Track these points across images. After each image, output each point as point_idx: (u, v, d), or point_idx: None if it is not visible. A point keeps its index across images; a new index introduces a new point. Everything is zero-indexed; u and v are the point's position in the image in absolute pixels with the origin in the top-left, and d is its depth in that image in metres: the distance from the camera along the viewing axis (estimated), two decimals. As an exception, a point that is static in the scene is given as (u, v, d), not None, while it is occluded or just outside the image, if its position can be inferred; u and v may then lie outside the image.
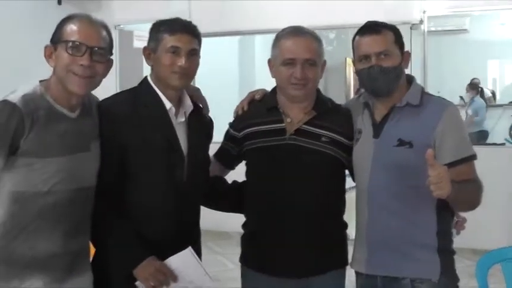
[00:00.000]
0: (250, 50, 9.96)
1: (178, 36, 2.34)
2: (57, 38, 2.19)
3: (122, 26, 7.64)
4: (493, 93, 10.68)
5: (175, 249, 2.28)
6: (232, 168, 2.79)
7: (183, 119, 2.43)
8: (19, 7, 6.82)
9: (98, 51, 2.18)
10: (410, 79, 2.50)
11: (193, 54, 2.39)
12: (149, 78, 2.44)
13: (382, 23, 2.44)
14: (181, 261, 2.28)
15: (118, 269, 2.28)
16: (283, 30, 2.56)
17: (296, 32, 2.51)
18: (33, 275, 2.11)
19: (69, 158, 2.14)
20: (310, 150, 2.46)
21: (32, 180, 2.08)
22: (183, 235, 2.36)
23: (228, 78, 9.52)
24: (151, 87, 2.41)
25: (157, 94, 2.39)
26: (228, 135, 2.71)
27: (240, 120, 2.65)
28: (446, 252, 2.40)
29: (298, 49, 2.46)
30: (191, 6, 7.13)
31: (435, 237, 2.36)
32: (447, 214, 2.41)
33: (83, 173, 2.20)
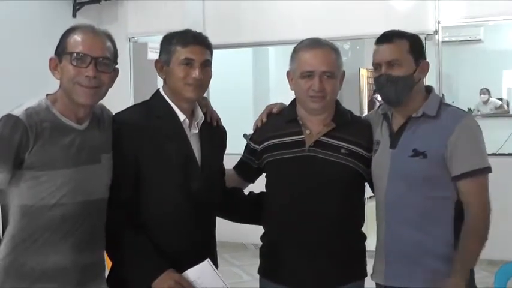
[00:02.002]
0: (264, 61, 9.96)
1: (191, 48, 2.35)
2: (61, 50, 2.19)
3: (136, 38, 7.66)
4: (507, 103, 10.61)
5: (191, 261, 2.26)
6: (253, 181, 2.80)
7: (196, 131, 2.42)
8: (34, 20, 6.87)
9: (102, 61, 2.18)
10: (429, 89, 2.51)
11: (206, 66, 2.39)
12: (162, 91, 2.44)
13: (399, 31, 2.45)
14: (200, 272, 2.26)
15: (137, 282, 2.26)
16: (302, 42, 2.56)
17: (314, 44, 2.51)
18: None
19: (76, 170, 2.12)
20: (330, 162, 2.46)
21: (39, 193, 2.07)
22: (199, 247, 2.36)
23: (242, 89, 9.51)
24: (165, 99, 2.40)
25: (170, 106, 2.39)
26: (248, 149, 2.72)
27: (260, 133, 2.65)
28: None
29: (315, 61, 2.46)
30: (205, 18, 7.15)
31: (452, 249, 2.34)
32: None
33: (92, 185, 2.18)
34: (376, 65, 2.45)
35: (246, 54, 9.64)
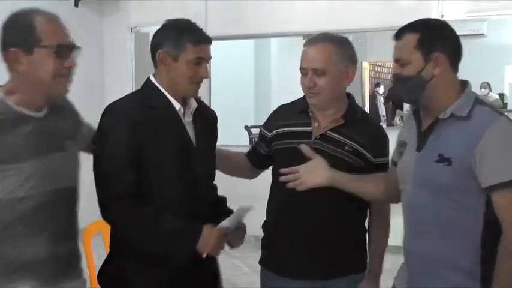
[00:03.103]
0: (266, 53, 9.94)
1: (202, 47, 2.35)
2: (30, 41, 2.06)
3: (138, 28, 7.65)
4: (505, 98, 10.61)
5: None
6: (260, 167, 2.82)
7: (190, 119, 2.44)
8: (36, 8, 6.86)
9: (75, 47, 2.16)
10: (464, 85, 2.27)
11: (208, 62, 2.40)
12: (154, 80, 2.41)
13: (412, 24, 2.26)
14: (230, 219, 2.37)
15: (180, 253, 2.27)
16: (312, 36, 2.58)
17: (311, 40, 2.52)
18: (22, 280, 2.08)
19: (41, 159, 2.08)
20: (332, 156, 2.46)
21: (7, 187, 2.03)
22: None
23: (244, 81, 9.50)
24: (159, 89, 2.38)
25: (165, 96, 2.37)
26: (260, 135, 2.76)
27: (272, 121, 2.69)
28: (491, 282, 2.14)
29: (307, 59, 2.48)
30: (208, 8, 7.13)
31: (479, 264, 2.15)
32: (495, 241, 2.13)
33: (60, 173, 2.15)
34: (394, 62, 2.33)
35: (248, 46, 9.63)
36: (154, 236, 2.27)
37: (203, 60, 2.35)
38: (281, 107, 2.76)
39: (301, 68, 2.51)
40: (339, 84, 2.53)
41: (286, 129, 2.60)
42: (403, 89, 2.24)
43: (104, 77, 7.97)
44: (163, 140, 2.31)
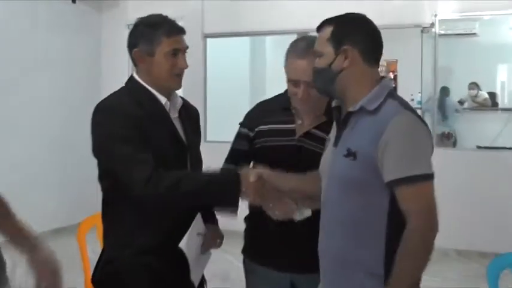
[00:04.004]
0: (262, 51, 9.92)
1: (176, 38, 2.36)
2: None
3: (134, 25, 7.62)
4: (495, 97, 10.62)
5: (184, 232, 2.34)
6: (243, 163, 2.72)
7: (176, 115, 2.44)
8: (34, 5, 6.83)
9: None
10: (381, 80, 2.20)
11: (186, 52, 2.40)
12: (137, 77, 2.40)
13: (332, 17, 2.21)
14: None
15: (228, 201, 2.26)
16: (295, 43, 2.52)
17: (302, 53, 2.46)
18: None
19: None
20: (316, 153, 2.41)
21: None
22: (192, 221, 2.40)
23: (239, 79, 9.48)
24: (144, 86, 2.38)
25: (151, 92, 2.37)
26: (239, 135, 2.70)
27: (253, 118, 2.67)
28: None
29: (300, 72, 2.43)
30: (204, 6, 7.09)
31: (382, 265, 2.06)
32: (399, 241, 2.02)
33: None
34: None
35: (244, 44, 9.60)
36: (198, 195, 2.23)
37: (179, 51, 2.35)
38: (260, 104, 2.74)
39: (291, 80, 2.48)
40: None
41: (269, 126, 2.59)
42: (317, 80, 2.23)
43: (101, 74, 7.96)
44: (155, 134, 2.30)
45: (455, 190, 6.36)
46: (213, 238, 2.57)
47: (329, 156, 2.23)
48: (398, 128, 2.03)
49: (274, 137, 2.56)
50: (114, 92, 2.42)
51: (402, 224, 1.99)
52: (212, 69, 7.64)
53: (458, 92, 9.83)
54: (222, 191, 2.26)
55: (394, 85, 2.12)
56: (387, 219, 2.07)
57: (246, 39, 9.47)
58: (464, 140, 9.34)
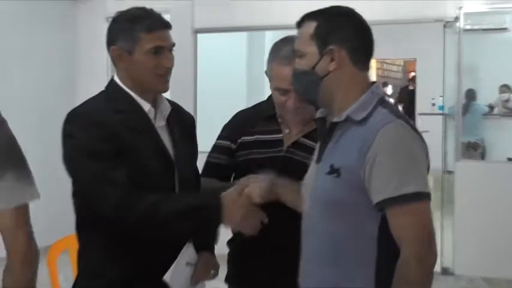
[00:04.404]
0: (260, 47, 9.93)
1: (158, 34, 2.32)
2: None
3: (114, 18, 7.64)
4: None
5: (170, 263, 2.31)
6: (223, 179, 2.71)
7: (163, 123, 2.41)
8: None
9: None
10: (371, 86, 2.16)
11: (171, 50, 2.38)
12: (118, 81, 2.39)
13: (316, 10, 2.18)
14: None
15: (207, 231, 2.29)
16: (279, 47, 2.54)
17: (288, 59, 2.44)
18: None
19: None
20: (306, 166, 2.38)
21: None
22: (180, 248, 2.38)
23: (235, 77, 9.50)
24: (124, 90, 2.36)
25: (131, 97, 2.35)
26: (217, 149, 2.71)
27: (233, 129, 2.68)
28: None
29: (288, 79, 2.39)
30: (194, 0, 7.10)
31: None
32: (392, 270, 1.98)
33: None
34: None
35: (240, 39, 9.62)
36: (176, 217, 2.22)
37: (162, 48, 2.32)
38: (240, 113, 2.76)
39: (279, 89, 2.49)
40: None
41: (255, 137, 2.60)
42: (299, 85, 2.19)
43: (76, 71, 7.96)
44: (132, 146, 2.28)
45: (483, 208, 6.35)
46: (206, 268, 2.52)
47: (312, 175, 2.19)
48: (388, 139, 1.98)
49: (260, 149, 2.58)
50: (91, 98, 2.42)
51: (395, 252, 1.95)
52: (204, 68, 7.65)
53: (487, 95, 9.86)
54: (199, 219, 2.24)
55: (386, 93, 2.03)
56: (377, 246, 2.02)
57: (243, 34, 9.49)
58: (493, 150, 9.35)
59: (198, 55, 7.40)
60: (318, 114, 2.24)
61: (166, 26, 2.36)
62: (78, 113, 2.31)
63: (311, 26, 2.11)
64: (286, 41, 2.53)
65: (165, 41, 2.34)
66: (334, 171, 2.04)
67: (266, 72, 2.61)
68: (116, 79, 2.40)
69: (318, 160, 2.16)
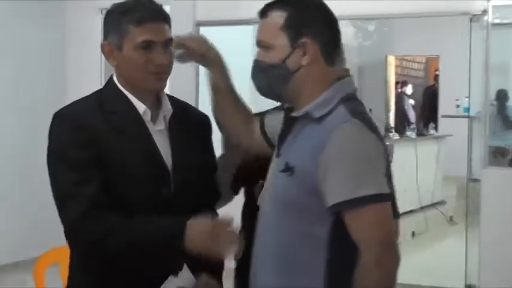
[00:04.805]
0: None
1: (148, 26, 2.28)
2: None
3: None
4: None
5: (161, 278, 2.29)
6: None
7: (162, 126, 2.40)
8: None
9: None
10: (339, 79, 2.21)
11: (169, 46, 2.35)
12: (115, 79, 2.40)
13: (283, 0, 2.19)
14: None
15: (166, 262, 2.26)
16: None
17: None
18: None
19: None
20: None
21: None
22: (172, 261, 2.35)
23: (239, 74, 9.51)
24: (119, 89, 2.37)
25: (126, 97, 2.35)
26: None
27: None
28: None
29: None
30: (196, -12, 7.12)
31: None
32: (343, 275, 2.05)
33: None
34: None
35: (245, 33, 9.64)
36: (137, 242, 2.22)
37: (154, 43, 2.29)
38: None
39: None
40: None
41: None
42: (263, 79, 2.21)
43: (66, 68, 7.96)
44: (121, 151, 2.28)
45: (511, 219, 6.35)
46: None
47: (271, 170, 2.25)
48: (341, 140, 2.03)
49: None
50: (83, 97, 2.44)
51: (348, 258, 2.00)
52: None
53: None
54: (154, 250, 2.23)
55: (355, 88, 2.06)
56: (328, 251, 2.07)
57: (248, 28, 9.51)
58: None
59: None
60: (287, 104, 2.28)
61: (160, 18, 2.32)
62: (62, 114, 2.33)
63: (280, 16, 2.15)
64: None
65: (158, 34, 2.30)
66: (288, 169, 2.09)
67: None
68: (114, 77, 2.40)
69: (278, 155, 2.21)
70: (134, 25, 2.27)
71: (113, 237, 2.19)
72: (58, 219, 2.25)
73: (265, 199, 2.24)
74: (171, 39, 2.35)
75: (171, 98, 2.48)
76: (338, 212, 2.01)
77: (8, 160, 7.19)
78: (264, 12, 2.20)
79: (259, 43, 2.20)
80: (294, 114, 2.16)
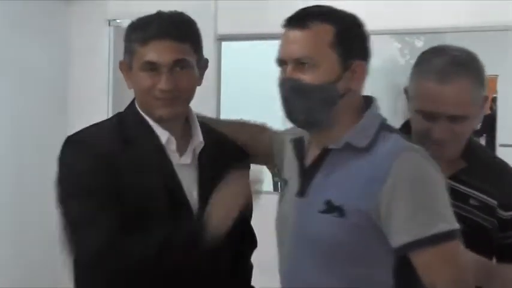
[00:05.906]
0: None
1: (153, 46, 2.29)
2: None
3: (118, 21, 7.73)
4: None
5: None
6: None
7: (188, 161, 2.39)
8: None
9: None
10: (369, 104, 2.23)
11: (184, 67, 2.32)
12: (136, 102, 2.43)
13: (322, 9, 2.20)
14: None
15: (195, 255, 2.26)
16: (429, 58, 2.51)
17: (445, 76, 2.44)
18: None
19: None
20: (476, 222, 2.48)
21: None
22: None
23: (265, 93, 9.55)
24: (139, 113, 2.38)
25: (146, 122, 2.36)
26: None
27: None
28: None
29: (441, 102, 2.41)
30: (218, 1, 7.15)
31: None
32: None
33: None
34: (281, 62, 2.23)
35: (270, 48, 9.70)
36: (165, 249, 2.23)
37: (158, 65, 2.28)
38: None
39: (425, 112, 2.42)
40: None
41: None
42: (304, 101, 2.14)
43: (70, 84, 7.99)
44: (139, 186, 2.29)
45: None
46: None
47: (291, 210, 2.19)
48: (407, 169, 2.01)
49: None
50: (101, 121, 2.46)
51: None
52: (229, 81, 7.76)
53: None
54: (185, 246, 2.23)
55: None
56: None
57: (273, 43, 9.56)
58: None
59: (222, 67, 7.43)
60: (292, 134, 2.28)
61: (171, 35, 2.31)
62: (76, 140, 2.35)
63: (328, 31, 2.12)
64: (439, 51, 2.49)
65: (163, 54, 2.29)
66: (333, 209, 2.07)
67: (405, 90, 2.55)
68: (136, 100, 2.41)
69: (301, 194, 2.15)
70: (139, 44, 2.30)
71: (138, 256, 2.21)
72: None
73: (285, 248, 2.21)
74: (183, 60, 2.32)
75: (204, 126, 2.46)
76: (406, 252, 2.01)
77: (7, 193, 7.21)
78: (302, 22, 2.15)
79: (301, 59, 2.13)
80: (331, 146, 2.12)
